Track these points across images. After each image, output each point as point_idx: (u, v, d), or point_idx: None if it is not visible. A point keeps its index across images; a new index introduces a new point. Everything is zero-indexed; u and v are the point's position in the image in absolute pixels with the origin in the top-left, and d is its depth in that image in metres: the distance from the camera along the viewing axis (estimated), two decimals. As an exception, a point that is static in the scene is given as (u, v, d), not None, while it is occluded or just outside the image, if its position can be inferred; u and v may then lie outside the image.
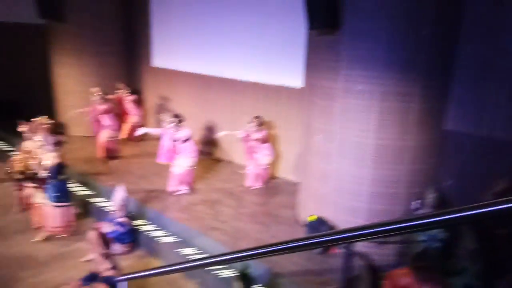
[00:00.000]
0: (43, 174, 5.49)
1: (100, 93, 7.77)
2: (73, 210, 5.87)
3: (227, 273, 4.61)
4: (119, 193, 5.49)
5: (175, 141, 6.20)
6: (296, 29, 6.46)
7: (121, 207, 5.46)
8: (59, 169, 5.48)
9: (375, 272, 4.28)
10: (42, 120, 6.17)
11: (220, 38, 7.74)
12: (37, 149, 5.80)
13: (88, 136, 8.90)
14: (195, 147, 6.35)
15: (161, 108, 9.35)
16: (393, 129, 4.51)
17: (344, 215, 4.89)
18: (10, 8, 9.91)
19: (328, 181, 5.00)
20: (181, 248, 5.21)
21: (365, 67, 4.46)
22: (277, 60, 6.94)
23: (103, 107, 7.72)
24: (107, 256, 4.03)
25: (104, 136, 7.83)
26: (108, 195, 6.50)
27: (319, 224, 5.02)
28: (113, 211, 5.57)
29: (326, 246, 4.62)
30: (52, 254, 5.32)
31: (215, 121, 8.23)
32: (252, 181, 6.76)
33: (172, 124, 6.11)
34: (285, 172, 7.31)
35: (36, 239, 5.59)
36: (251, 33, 7.22)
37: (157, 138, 9.39)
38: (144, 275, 3.68)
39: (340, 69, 4.61)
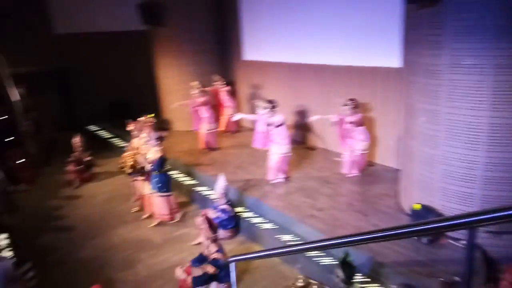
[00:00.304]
0: (148, 167, 6.02)
1: (199, 86, 8.19)
2: (174, 199, 6.34)
3: (327, 260, 4.59)
4: (220, 182, 5.80)
5: (269, 125, 6.26)
6: (390, 6, 6.09)
7: (223, 195, 5.76)
8: (161, 163, 5.94)
9: (493, 265, 3.87)
10: (146, 119, 6.71)
11: (309, 25, 7.65)
12: (143, 145, 6.36)
13: (189, 130, 9.56)
14: (287, 133, 6.38)
15: (254, 99, 9.61)
16: (509, 106, 3.98)
17: (453, 203, 4.49)
18: (119, 19, 11.07)
19: (434, 166, 4.62)
20: (280, 234, 5.32)
21: (473, 38, 4.00)
22: (371, 41, 6.62)
23: (202, 99, 8.14)
24: (214, 240, 4.29)
25: (203, 129, 8.31)
26: (210, 184, 6.94)
27: (425, 212, 4.69)
28: (216, 199, 5.92)
29: (435, 235, 4.31)
30: (165, 238, 5.86)
31: (307, 109, 8.19)
32: (348, 169, 6.57)
33: (266, 110, 6.20)
34: (383, 158, 6.98)
35: (151, 225, 6.21)
36: (341, 15, 6.99)
37: (252, 129, 9.74)
38: (252, 257, 3.83)
39: (445, 43, 4.21)
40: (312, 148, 8.13)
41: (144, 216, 6.46)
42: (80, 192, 7.75)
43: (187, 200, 7.07)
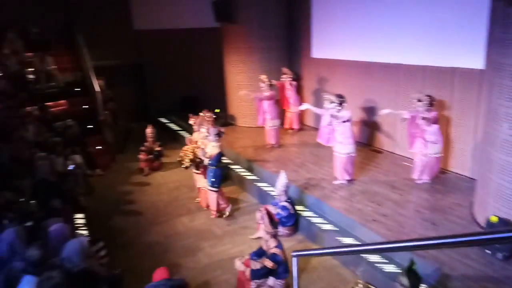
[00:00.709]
0: (206, 162, 6.12)
1: (267, 79, 8.17)
2: (223, 195, 6.38)
3: (390, 267, 4.39)
4: (281, 179, 5.78)
5: (334, 120, 6.06)
6: (474, 3, 5.66)
7: (283, 192, 5.74)
8: (218, 158, 6.05)
9: None
10: (206, 114, 6.86)
11: (384, 22, 7.34)
12: (202, 139, 6.51)
13: (253, 127, 9.69)
14: (352, 132, 6.18)
15: (320, 96, 9.47)
16: None
17: (539, 218, 4.07)
18: (192, 16, 11.53)
19: (517, 176, 4.22)
20: (340, 236, 5.19)
21: None
22: (451, 40, 6.20)
23: (268, 94, 8.11)
24: (274, 235, 4.29)
25: (267, 125, 8.35)
26: (270, 181, 6.96)
27: (503, 225, 4.30)
28: (276, 195, 5.93)
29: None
30: (225, 230, 6.00)
31: (375, 110, 7.89)
32: (418, 174, 6.19)
33: (334, 104, 6.01)
34: (458, 166, 6.51)
35: (211, 216, 6.37)
36: (419, 12, 6.62)
37: (315, 128, 9.60)
38: (315, 253, 3.77)
39: (539, 42, 3.81)
40: (378, 151, 7.82)
41: (203, 208, 6.65)
42: (149, 179, 8.20)
43: (248, 195, 7.17)
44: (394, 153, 7.62)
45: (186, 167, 6.53)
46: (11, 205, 4.37)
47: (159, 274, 3.76)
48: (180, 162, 6.53)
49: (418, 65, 6.83)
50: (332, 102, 6.01)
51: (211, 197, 6.26)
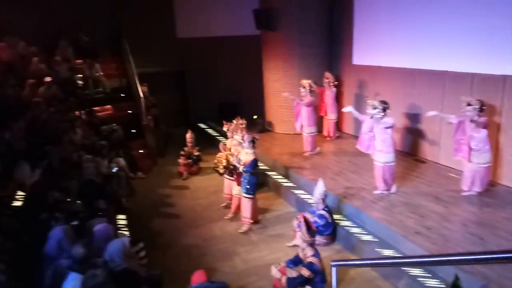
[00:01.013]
0: (240, 169, 6.04)
1: (308, 85, 8.05)
2: (256, 203, 6.29)
3: (434, 282, 4.19)
4: (319, 187, 5.69)
5: (377, 127, 5.88)
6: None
7: (320, 201, 5.65)
8: (253, 165, 5.98)
9: None
10: (240, 121, 6.81)
11: (429, 28, 7.11)
12: (236, 146, 6.50)
13: (291, 133, 9.65)
14: (393, 141, 5.98)
15: (360, 104, 9.29)
16: None
17: None
18: (233, 24, 11.73)
19: None
20: (380, 248, 5.03)
21: None
22: (502, 46, 5.90)
23: (308, 100, 8.03)
24: (311, 244, 4.23)
25: (304, 132, 8.27)
26: (308, 188, 6.89)
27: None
28: (313, 203, 5.85)
29: None
30: (261, 236, 5.99)
31: (418, 117, 7.62)
32: (468, 185, 5.87)
33: (377, 110, 5.83)
34: (508, 178, 6.14)
35: (240, 230, 6.14)
36: (468, 19, 6.35)
37: (354, 136, 9.43)
38: (356, 264, 3.68)
39: None
40: (422, 161, 7.54)
41: (227, 217, 6.55)
42: (188, 183, 8.36)
43: (284, 202, 7.13)
44: (439, 163, 7.31)
45: (221, 174, 6.60)
46: (58, 205, 4.59)
47: (198, 277, 3.81)
48: (214, 169, 6.60)
49: (465, 72, 6.54)
50: (375, 108, 5.85)
51: (245, 205, 6.16)
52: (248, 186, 6.04)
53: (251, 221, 6.19)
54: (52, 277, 3.31)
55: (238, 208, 6.39)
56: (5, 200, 4.49)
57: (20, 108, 6.73)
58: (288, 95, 8.42)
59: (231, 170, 6.39)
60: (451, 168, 6.95)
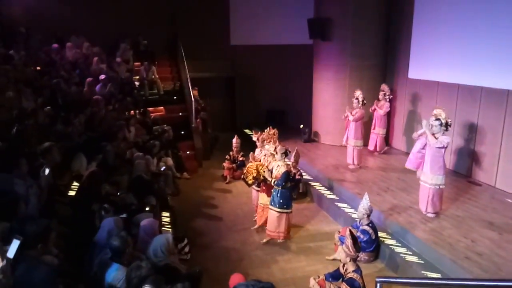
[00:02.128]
0: (272, 182, 5.81)
1: (361, 97, 7.89)
2: (291, 218, 6.03)
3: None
4: (364, 202, 5.53)
5: (430, 143, 5.56)
6: None
7: (365, 216, 5.49)
8: (285, 178, 5.71)
9: None
10: (272, 131, 6.57)
11: (492, 44, 6.73)
12: (266, 156, 6.28)
13: (337, 145, 9.50)
14: (444, 162, 5.68)
15: (412, 120, 8.98)
16: None
17: None
18: (286, 33, 11.80)
19: None
20: (425, 271, 4.79)
21: None
22: None
23: (358, 115, 7.89)
24: (355, 259, 4.11)
25: (349, 144, 8.10)
26: (351, 202, 6.73)
27: None
28: (357, 218, 5.69)
29: None
30: (301, 247, 5.91)
31: (476, 137, 7.22)
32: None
33: (438, 123, 5.49)
34: None
35: (262, 241, 5.98)
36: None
37: (402, 151, 9.11)
38: (401, 281, 3.52)
39: None
40: (477, 184, 7.11)
41: (254, 227, 6.41)
42: (231, 187, 8.48)
43: (326, 214, 7.02)
44: (496, 187, 6.87)
45: (249, 185, 6.36)
46: (109, 197, 4.83)
47: (236, 280, 3.82)
48: (243, 179, 6.37)
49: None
50: (438, 119, 5.53)
51: (276, 219, 5.86)
52: (281, 201, 5.79)
53: (283, 237, 5.92)
54: (99, 265, 3.48)
55: (267, 219, 6.11)
56: (62, 189, 4.81)
57: (81, 105, 7.19)
58: (347, 112, 8.07)
59: (260, 181, 6.16)
60: (509, 193, 6.50)
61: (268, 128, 6.64)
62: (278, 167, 5.86)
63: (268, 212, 6.03)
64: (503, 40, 6.57)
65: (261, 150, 6.69)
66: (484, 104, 7.05)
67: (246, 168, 6.31)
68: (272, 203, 5.89)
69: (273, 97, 12.63)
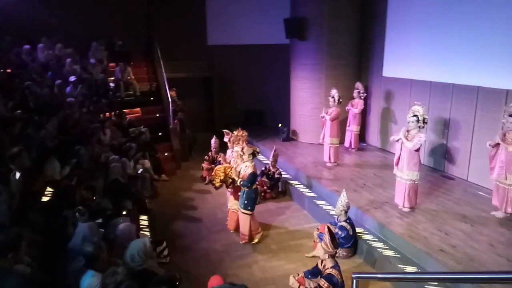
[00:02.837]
0: (238, 182, 5.75)
1: (337, 95, 7.96)
2: (255, 219, 5.96)
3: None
4: (342, 199, 5.60)
5: (407, 140, 5.71)
6: None
7: (342, 212, 5.56)
8: (251, 179, 5.67)
9: None
10: (240, 132, 6.34)
11: (465, 42, 6.91)
12: (235, 158, 6.09)
13: (315, 144, 9.59)
14: (419, 158, 5.83)
15: (387, 117, 9.15)
16: None
17: None
18: (262, 33, 11.81)
19: None
20: (402, 264, 4.90)
21: None
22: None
23: (334, 114, 7.97)
24: (333, 255, 4.16)
25: (326, 142, 8.16)
26: (329, 199, 6.81)
27: None
28: (335, 215, 5.77)
29: None
30: (280, 245, 5.94)
31: (448, 132, 7.43)
32: (497, 205, 5.65)
33: (416, 118, 5.67)
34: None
35: (242, 242, 5.92)
36: (509, 32, 6.14)
37: (379, 149, 9.29)
38: (377, 277, 3.59)
39: None
40: (450, 178, 7.31)
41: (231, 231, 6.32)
42: (210, 188, 8.35)
43: (305, 212, 7.08)
44: (468, 181, 7.08)
45: (217, 188, 6.18)
46: (85, 202, 4.74)
47: (215, 282, 3.82)
48: (211, 182, 6.16)
49: (499, 88, 6.34)
50: (415, 115, 5.71)
51: (243, 220, 5.88)
52: (246, 201, 5.77)
53: (247, 238, 5.90)
54: (73, 272, 3.40)
55: (237, 223, 6.10)
56: (34, 195, 4.68)
57: (54, 107, 7.01)
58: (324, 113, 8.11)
59: (228, 184, 6.04)
60: (481, 186, 6.72)
61: (238, 129, 6.44)
62: (246, 167, 5.81)
63: (235, 216, 6.05)
64: (471, 38, 6.77)
65: (232, 151, 6.59)
66: (456, 100, 7.26)
67: (214, 171, 6.19)
68: (240, 204, 5.89)
69: (251, 96, 12.64)
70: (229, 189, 6.28)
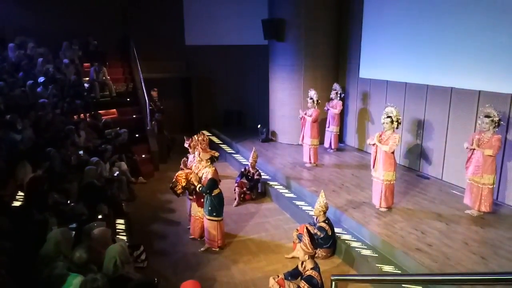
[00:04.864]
0: (197, 186, 5.55)
1: (315, 96, 8.04)
2: (223, 225, 5.83)
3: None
4: (320, 199, 5.62)
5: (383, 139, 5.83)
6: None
7: (321, 213, 5.59)
8: (210, 185, 5.49)
9: None
10: (200, 137, 6.04)
11: (438, 45, 7.09)
12: (197, 163, 5.87)
13: (294, 144, 9.63)
14: (394, 160, 5.92)
15: (365, 118, 9.28)
16: None
17: None
18: (242, 34, 11.79)
19: None
20: (380, 263, 4.96)
21: None
22: (510, 65, 5.88)
23: (314, 114, 8.01)
24: (312, 256, 4.17)
25: (305, 143, 8.22)
26: (308, 200, 6.84)
27: None
28: (314, 215, 5.79)
29: None
30: (261, 247, 5.91)
31: (423, 133, 7.59)
32: (470, 204, 5.82)
33: (389, 120, 5.79)
34: (512, 198, 6.08)
35: (200, 250, 5.77)
36: (480, 36, 6.32)
37: (357, 149, 9.41)
38: (356, 279, 3.60)
39: None
40: (425, 177, 7.48)
41: (190, 237, 6.15)
42: (188, 190, 8.32)
43: (284, 212, 7.08)
44: (443, 180, 7.26)
45: (178, 195, 5.93)
46: (58, 207, 4.58)
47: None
48: (172, 189, 5.85)
49: (472, 90, 6.52)
50: (389, 116, 5.82)
51: (210, 228, 5.71)
52: (210, 208, 5.62)
53: (217, 246, 5.76)
54: (48, 277, 3.28)
55: (202, 230, 5.94)
56: (4, 200, 4.49)
57: (26, 109, 6.77)
58: (301, 115, 8.16)
59: (190, 191, 5.83)
60: (456, 185, 6.89)
61: (198, 134, 6.07)
62: (206, 173, 5.64)
63: (199, 223, 5.95)
64: (444, 40, 6.96)
65: (193, 156, 6.32)
66: (430, 101, 7.43)
67: (174, 177, 5.89)
68: (204, 211, 5.75)
69: (230, 97, 12.60)
70: (189, 197, 6.06)
